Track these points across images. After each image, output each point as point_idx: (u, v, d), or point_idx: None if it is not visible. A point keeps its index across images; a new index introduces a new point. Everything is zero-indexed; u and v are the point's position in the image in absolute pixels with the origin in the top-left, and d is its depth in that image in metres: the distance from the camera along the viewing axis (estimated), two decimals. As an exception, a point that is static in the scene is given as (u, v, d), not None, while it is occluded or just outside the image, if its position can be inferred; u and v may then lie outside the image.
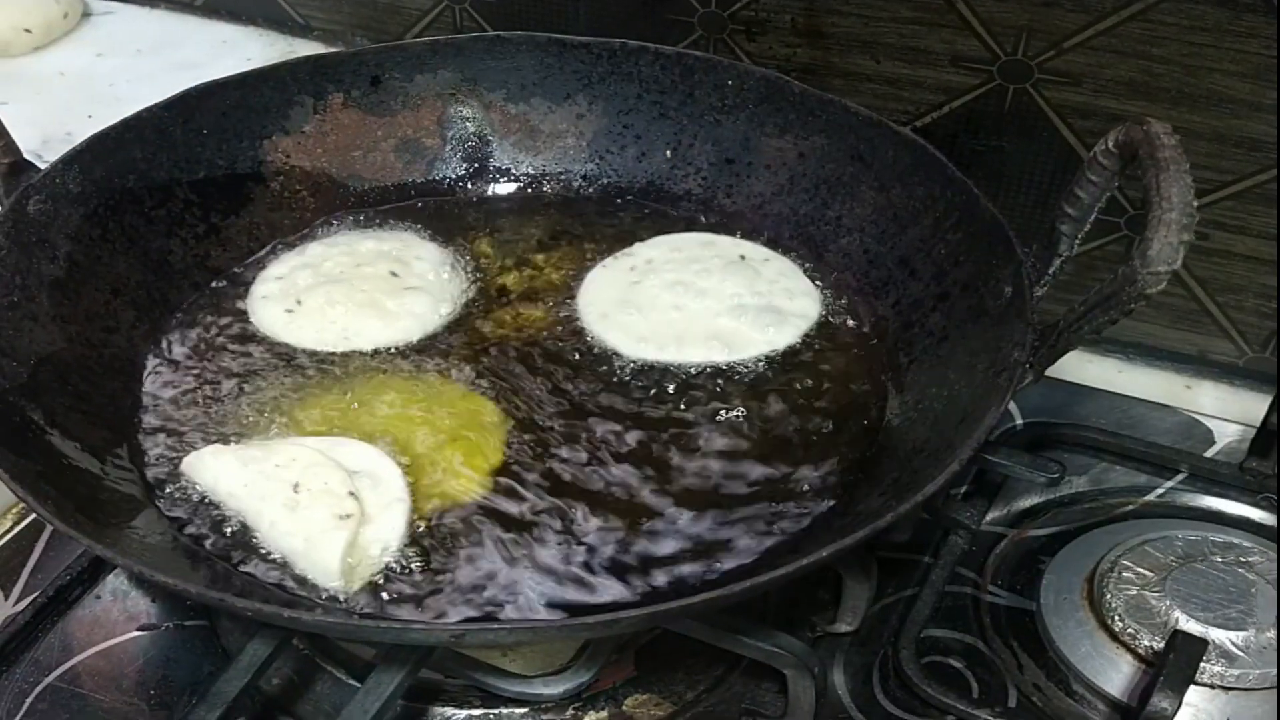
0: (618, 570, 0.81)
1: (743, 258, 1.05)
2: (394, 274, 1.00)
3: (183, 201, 1.04)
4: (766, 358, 0.97)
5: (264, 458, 0.85)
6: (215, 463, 0.85)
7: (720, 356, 0.97)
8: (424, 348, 0.97)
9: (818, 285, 1.03)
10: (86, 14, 1.61)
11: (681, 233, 1.09)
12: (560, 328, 1.00)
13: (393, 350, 0.97)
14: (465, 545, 0.82)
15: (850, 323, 1.00)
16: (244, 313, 1.01)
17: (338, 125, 1.12)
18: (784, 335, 0.98)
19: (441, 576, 0.80)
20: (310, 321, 0.98)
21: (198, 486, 0.85)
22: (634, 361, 0.97)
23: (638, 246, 1.07)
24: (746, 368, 0.96)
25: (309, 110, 1.11)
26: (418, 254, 1.04)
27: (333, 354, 0.97)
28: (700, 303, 1.01)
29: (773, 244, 1.07)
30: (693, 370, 0.96)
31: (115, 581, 0.93)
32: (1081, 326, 0.77)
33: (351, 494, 0.82)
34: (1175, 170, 0.72)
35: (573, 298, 1.03)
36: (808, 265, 1.05)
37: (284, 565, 0.80)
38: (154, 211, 1.02)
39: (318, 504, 0.81)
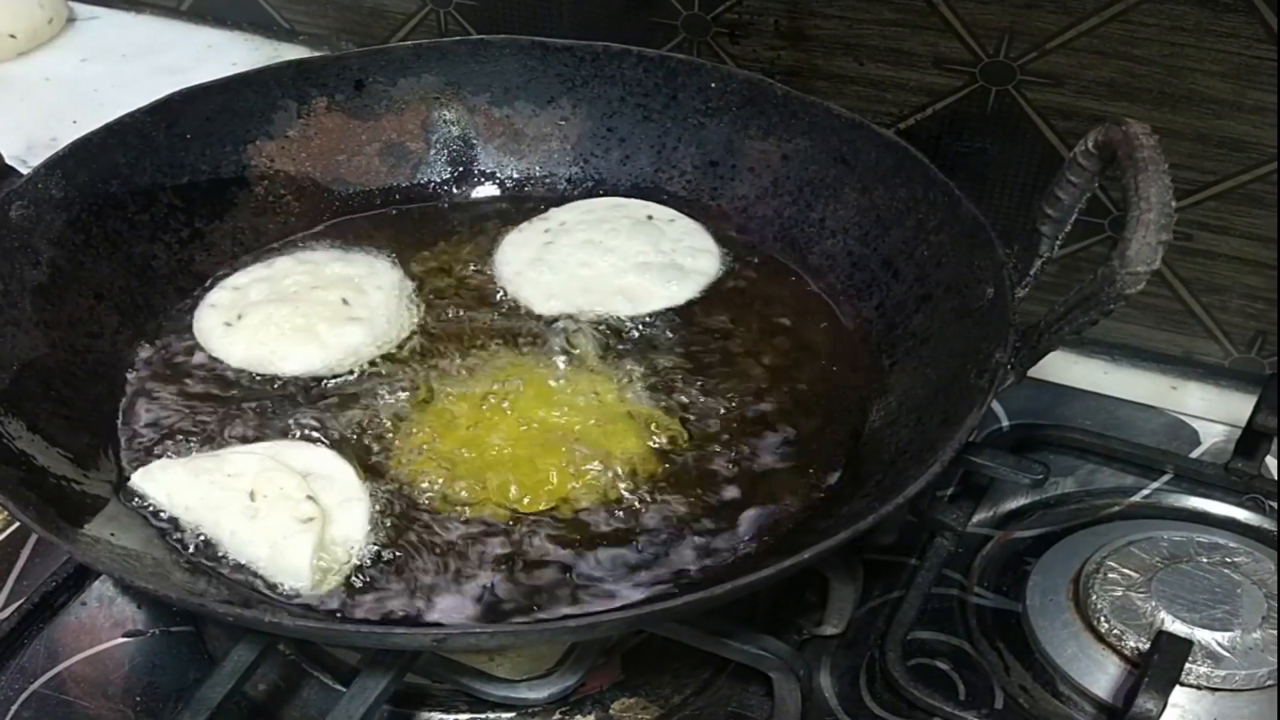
0: (599, 568, 0.81)
1: (650, 218, 1.09)
2: (345, 301, 0.99)
3: (166, 206, 1.04)
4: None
5: (215, 468, 0.84)
6: (165, 476, 0.85)
7: (625, 309, 1.01)
8: (351, 378, 0.95)
9: (720, 245, 1.07)
10: (71, 19, 1.60)
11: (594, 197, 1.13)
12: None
13: (318, 378, 0.95)
14: (439, 541, 0.82)
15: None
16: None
17: (322, 129, 1.12)
18: (684, 290, 1.03)
19: (416, 575, 0.80)
20: (242, 338, 0.97)
21: (151, 501, 0.84)
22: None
23: (553, 211, 1.11)
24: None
25: (293, 115, 1.11)
26: (379, 283, 1.02)
27: (257, 374, 0.96)
28: (607, 260, 1.04)
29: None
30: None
31: (101, 588, 0.93)
32: (1062, 327, 0.77)
33: (310, 497, 0.81)
34: (1154, 170, 0.72)
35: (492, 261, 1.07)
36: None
37: (254, 573, 0.80)
38: (137, 216, 1.02)
39: (277, 510, 0.81)
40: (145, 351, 0.97)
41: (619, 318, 1.01)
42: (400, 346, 0.98)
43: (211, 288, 1.03)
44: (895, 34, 1.11)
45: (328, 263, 1.04)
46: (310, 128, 1.12)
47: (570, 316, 1.00)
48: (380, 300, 1.00)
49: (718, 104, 1.09)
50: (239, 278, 1.04)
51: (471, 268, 1.07)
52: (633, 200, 1.11)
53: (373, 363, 0.96)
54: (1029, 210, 0.87)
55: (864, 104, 1.15)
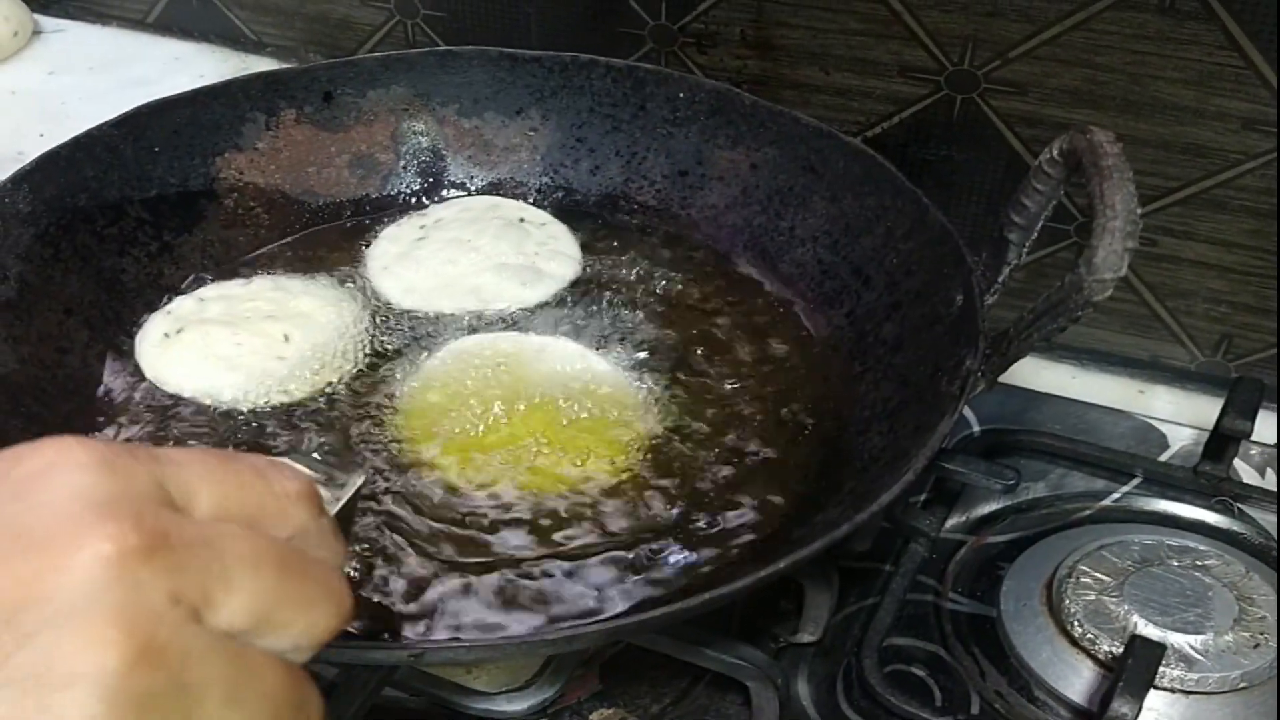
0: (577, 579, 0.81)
1: (522, 220, 1.10)
2: (286, 338, 0.97)
3: (135, 220, 1.03)
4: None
5: None
6: None
7: (473, 307, 1.02)
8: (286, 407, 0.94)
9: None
10: (37, 32, 1.59)
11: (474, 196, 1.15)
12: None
13: (211, 407, 0.93)
14: (411, 555, 0.82)
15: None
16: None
17: (291, 141, 1.12)
18: (534, 293, 1.04)
19: (391, 589, 0.80)
20: (165, 356, 0.96)
21: None
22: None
23: (433, 207, 1.12)
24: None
25: (261, 127, 1.10)
26: (334, 322, 1.00)
27: (163, 392, 0.94)
28: (470, 259, 1.05)
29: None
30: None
31: (72, 606, 0.92)
32: (1031, 334, 0.78)
33: None
34: (1119, 178, 0.72)
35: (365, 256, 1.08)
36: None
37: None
38: (106, 230, 1.01)
39: None
40: (116, 366, 0.96)
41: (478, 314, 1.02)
42: (336, 381, 0.96)
43: (181, 294, 1.02)
44: (861, 43, 1.11)
45: (299, 294, 1.03)
46: (279, 140, 1.11)
47: (424, 313, 1.02)
48: (325, 342, 0.98)
49: (686, 114, 1.10)
50: (209, 290, 1.03)
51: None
52: (510, 201, 1.13)
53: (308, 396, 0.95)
54: (996, 216, 0.88)
55: (831, 113, 1.15)
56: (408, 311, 1.02)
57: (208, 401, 0.94)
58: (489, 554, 0.82)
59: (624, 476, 0.88)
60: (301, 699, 0.46)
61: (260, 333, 0.98)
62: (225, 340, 0.97)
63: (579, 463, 0.88)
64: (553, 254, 1.07)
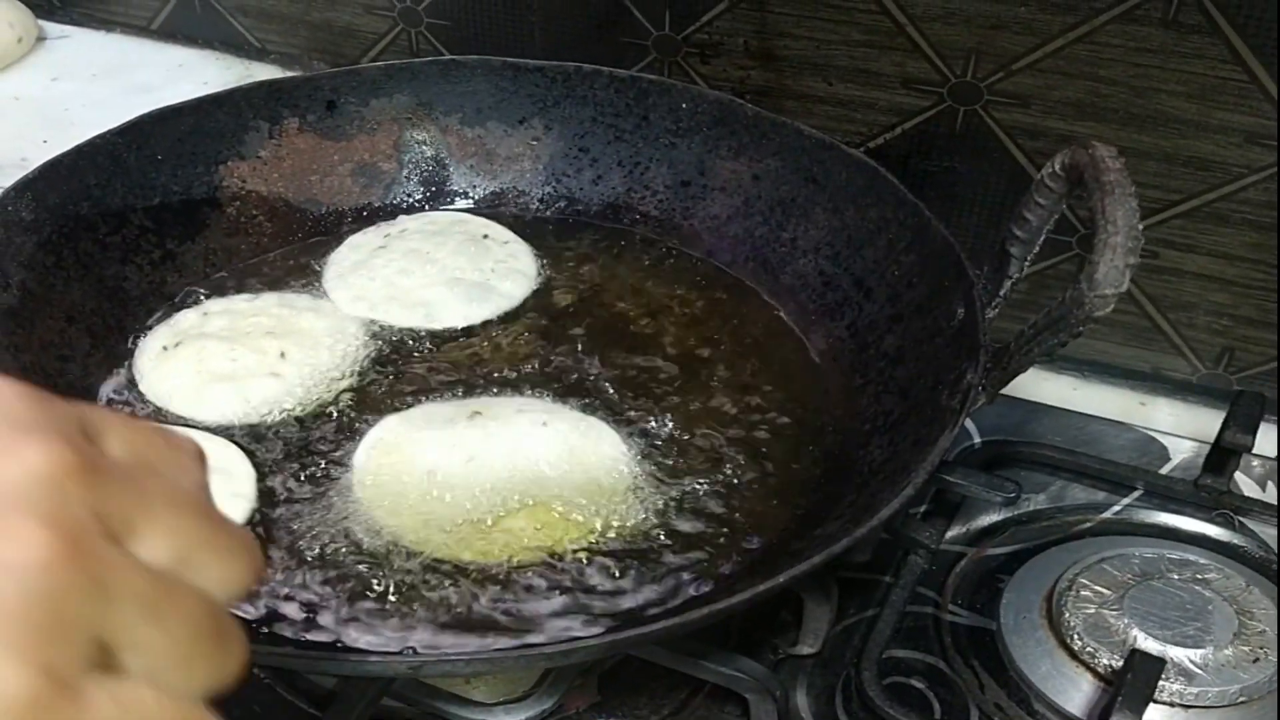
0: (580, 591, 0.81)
1: (485, 236, 1.09)
2: (283, 355, 0.96)
3: (138, 228, 1.04)
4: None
5: None
6: None
7: (420, 322, 1.02)
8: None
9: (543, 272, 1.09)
10: (41, 38, 1.59)
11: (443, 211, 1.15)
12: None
13: (202, 422, 0.93)
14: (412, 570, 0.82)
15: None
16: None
17: (294, 150, 1.12)
18: (481, 310, 1.03)
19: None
20: (161, 369, 0.96)
21: None
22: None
23: (402, 218, 1.12)
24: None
25: (264, 135, 1.11)
26: (333, 343, 0.99)
27: (157, 405, 0.94)
28: (425, 271, 1.05)
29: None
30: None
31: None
32: (1032, 349, 0.78)
33: None
34: (1120, 194, 0.72)
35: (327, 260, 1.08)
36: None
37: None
38: (109, 238, 1.01)
39: None
40: (117, 375, 0.96)
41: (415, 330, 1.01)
42: (331, 400, 0.95)
43: (187, 306, 1.02)
44: (863, 55, 1.11)
45: (304, 310, 1.02)
46: (282, 148, 1.12)
47: (373, 321, 1.01)
48: (324, 360, 0.98)
49: (689, 124, 1.10)
50: (214, 304, 1.02)
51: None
52: (476, 217, 1.13)
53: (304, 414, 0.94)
54: (998, 228, 0.88)
55: (833, 124, 1.15)
56: (408, 329, 1.02)
57: (199, 416, 0.93)
58: (488, 570, 0.82)
59: (620, 490, 0.88)
60: (222, 629, 0.46)
61: (257, 349, 0.97)
62: (220, 356, 0.96)
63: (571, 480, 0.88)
64: (508, 272, 1.06)
